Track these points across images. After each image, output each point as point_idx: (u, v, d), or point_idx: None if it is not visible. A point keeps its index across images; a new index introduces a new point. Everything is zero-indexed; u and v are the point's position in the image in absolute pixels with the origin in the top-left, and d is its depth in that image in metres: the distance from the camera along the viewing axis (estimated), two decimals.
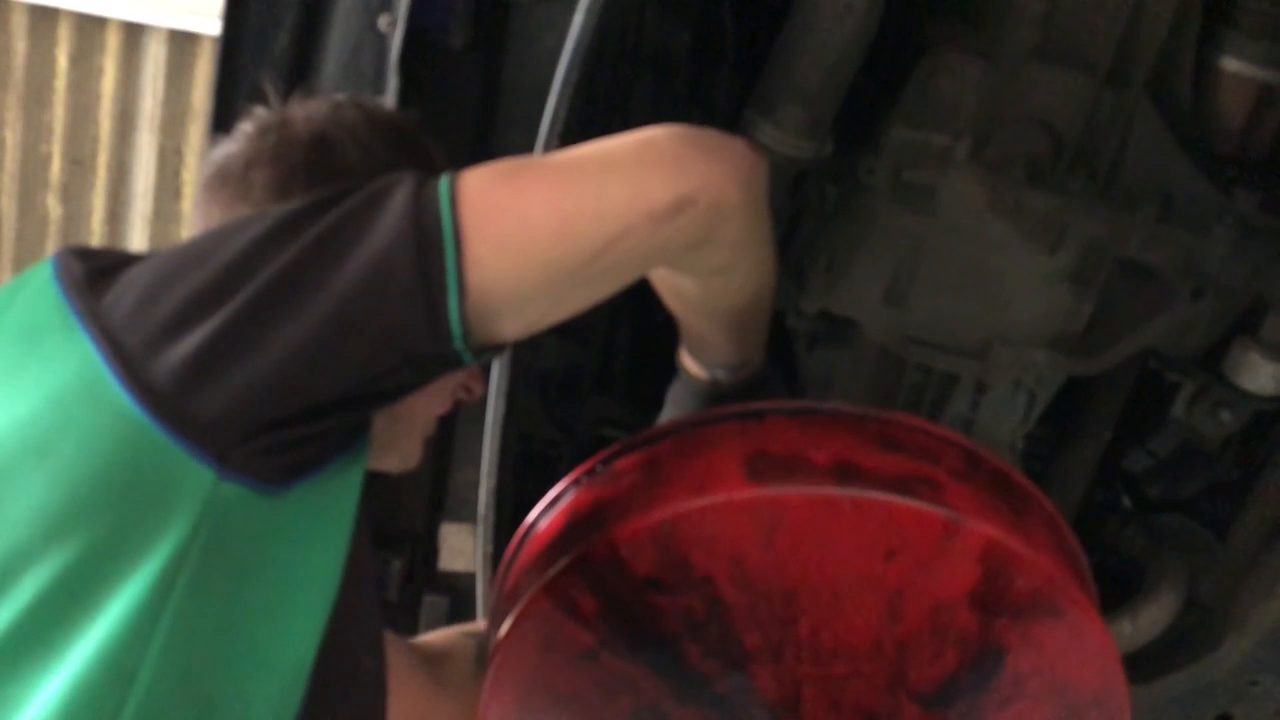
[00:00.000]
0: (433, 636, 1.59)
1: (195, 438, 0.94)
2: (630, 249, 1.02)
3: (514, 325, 1.03)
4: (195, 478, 0.95)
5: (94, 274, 1.01)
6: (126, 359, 0.95)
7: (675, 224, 1.03)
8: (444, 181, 0.99)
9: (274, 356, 0.94)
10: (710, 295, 1.22)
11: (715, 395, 1.35)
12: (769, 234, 1.17)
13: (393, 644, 1.46)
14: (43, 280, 1.03)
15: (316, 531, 1.03)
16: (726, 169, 1.06)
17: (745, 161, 1.08)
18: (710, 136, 1.08)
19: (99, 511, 0.95)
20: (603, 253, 1.01)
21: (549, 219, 1.00)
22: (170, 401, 0.94)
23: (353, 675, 1.19)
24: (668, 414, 1.40)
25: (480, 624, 1.59)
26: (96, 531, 0.95)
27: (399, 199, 0.98)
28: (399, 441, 1.24)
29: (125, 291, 0.98)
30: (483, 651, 1.50)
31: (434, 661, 1.50)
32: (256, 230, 0.98)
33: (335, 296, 0.95)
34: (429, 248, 0.96)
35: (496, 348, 1.04)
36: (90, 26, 5.12)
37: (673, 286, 1.23)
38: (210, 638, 0.98)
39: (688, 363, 1.37)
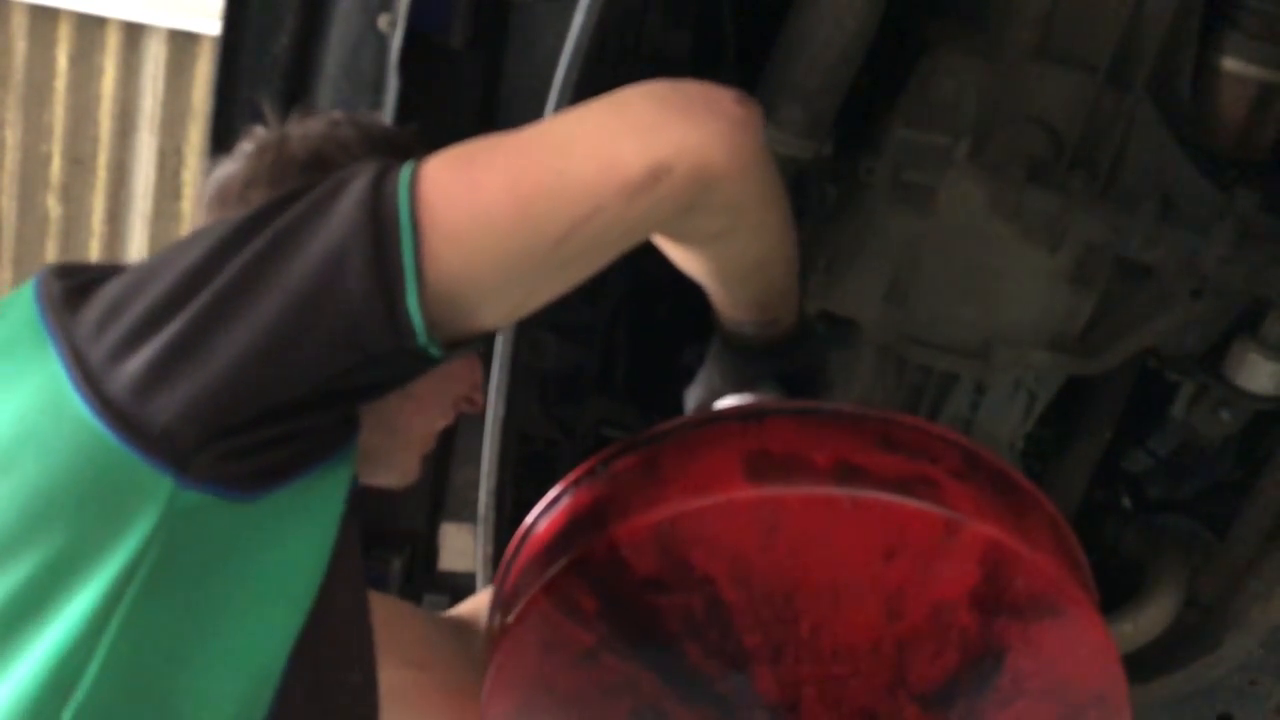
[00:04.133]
0: (459, 608, 1.56)
1: (151, 447, 0.92)
2: (604, 226, 0.94)
3: (490, 315, 0.98)
4: (153, 487, 0.92)
5: (71, 291, 0.99)
6: (88, 372, 0.93)
7: (652, 195, 0.94)
8: (406, 170, 0.94)
9: (225, 360, 0.91)
10: (711, 261, 1.15)
11: (746, 348, 1.30)
12: (772, 192, 1.08)
13: (421, 618, 1.48)
14: (25, 298, 1.01)
15: (290, 541, 1.00)
16: (707, 128, 0.96)
17: (731, 118, 0.98)
18: (690, 92, 0.99)
19: (55, 525, 0.93)
20: (572, 234, 0.94)
21: (506, 205, 0.93)
22: (126, 412, 0.92)
23: (336, 690, 1.16)
24: (706, 365, 1.37)
25: None
26: (52, 545, 0.93)
27: (355, 189, 0.93)
28: (396, 456, 1.22)
29: (94, 306, 0.96)
30: None
31: (464, 631, 1.49)
32: (216, 234, 0.95)
33: (287, 292, 0.91)
34: (385, 240, 0.91)
35: (478, 338, 0.99)
36: (90, 26, 5.12)
37: (676, 254, 1.16)
38: (166, 641, 0.96)
39: (719, 321, 1.31)
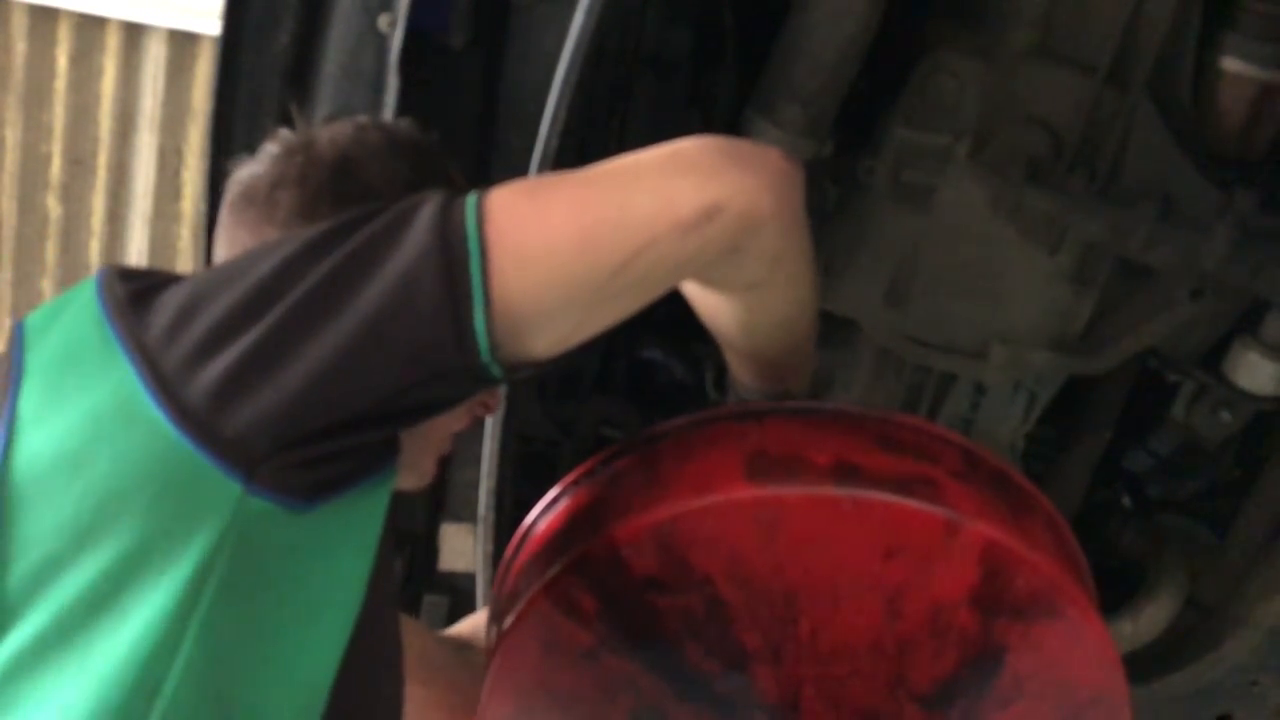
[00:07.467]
0: (459, 626, 1.62)
1: (225, 453, 0.96)
2: (657, 260, 1.00)
3: (544, 340, 1.02)
4: (224, 491, 0.96)
5: (135, 295, 1.02)
6: (162, 379, 0.97)
7: (703, 233, 1.01)
8: (471, 198, 1.00)
9: (302, 373, 0.95)
10: (745, 312, 1.20)
11: None
12: (807, 250, 1.14)
13: (423, 635, 1.51)
14: (86, 299, 1.05)
15: (340, 553, 1.04)
16: (758, 177, 1.03)
17: (778, 169, 1.05)
18: (742, 145, 1.07)
19: (129, 522, 0.97)
20: (628, 264, 1.00)
21: (571, 232, 0.99)
22: (203, 418, 0.96)
23: (374, 700, 1.19)
24: None
25: None
26: (125, 541, 0.97)
27: (425, 216, 0.99)
28: (418, 459, 1.24)
29: (162, 312, 1.00)
30: None
31: (465, 649, 1.53)
32: (287, 250, 1.00)
33: (362, 312, 0.96)
34: (455, 261, 0.97)
35: (529, 365, 1.03)
36: (90, 26, 5.12)
37: (708, 304, 1.21)
38: (235, 649, 1.00)
39: (733, 384, 1.36)
